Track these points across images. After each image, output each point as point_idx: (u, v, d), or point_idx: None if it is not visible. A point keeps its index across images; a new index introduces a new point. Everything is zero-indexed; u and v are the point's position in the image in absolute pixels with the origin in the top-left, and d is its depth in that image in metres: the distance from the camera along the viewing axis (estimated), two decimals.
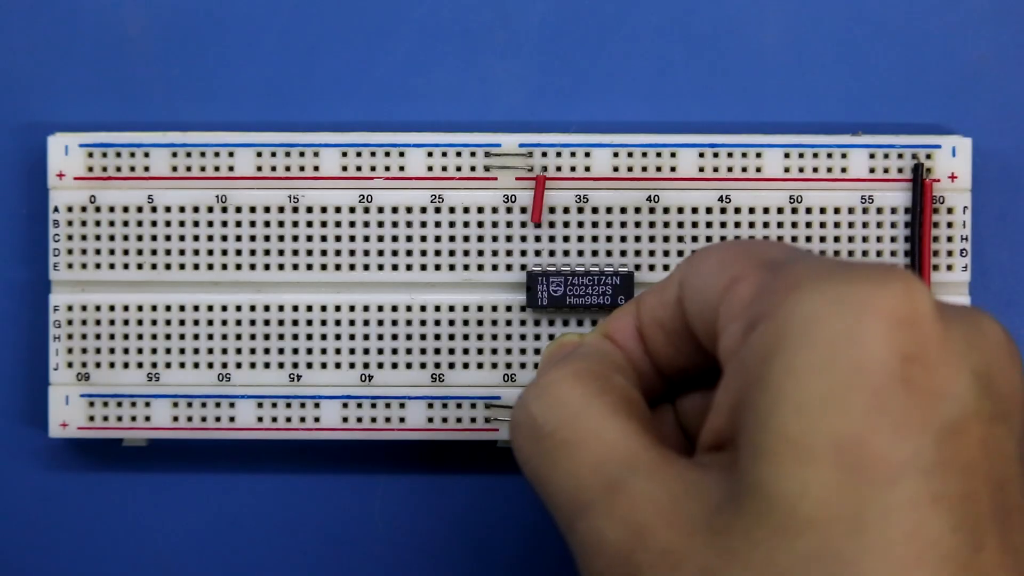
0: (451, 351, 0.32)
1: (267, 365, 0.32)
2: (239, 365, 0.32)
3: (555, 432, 0.22)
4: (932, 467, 0.18)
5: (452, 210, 0.32)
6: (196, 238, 0.32)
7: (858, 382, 0.18)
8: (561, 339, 0.25)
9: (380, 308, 0.32)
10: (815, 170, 0.32)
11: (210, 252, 0.32)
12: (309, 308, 0.32)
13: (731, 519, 0.19)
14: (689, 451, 0.23)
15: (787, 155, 0.32)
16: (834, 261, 0.20)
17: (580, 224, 0.32)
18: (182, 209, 0.32)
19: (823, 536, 0.18)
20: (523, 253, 0.32)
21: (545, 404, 0.22)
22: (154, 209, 0.32)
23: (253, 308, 0.32)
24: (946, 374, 0.19)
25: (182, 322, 0.32)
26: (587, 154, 0.32)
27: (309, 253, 0.32)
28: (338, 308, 0.32)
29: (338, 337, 0.32)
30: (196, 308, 0.32)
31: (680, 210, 0.32)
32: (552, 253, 0.32)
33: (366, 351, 0.32)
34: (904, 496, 0.18)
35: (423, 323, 0.32)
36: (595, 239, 0.32)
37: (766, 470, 0.18)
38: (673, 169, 0.32)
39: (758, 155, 0.32)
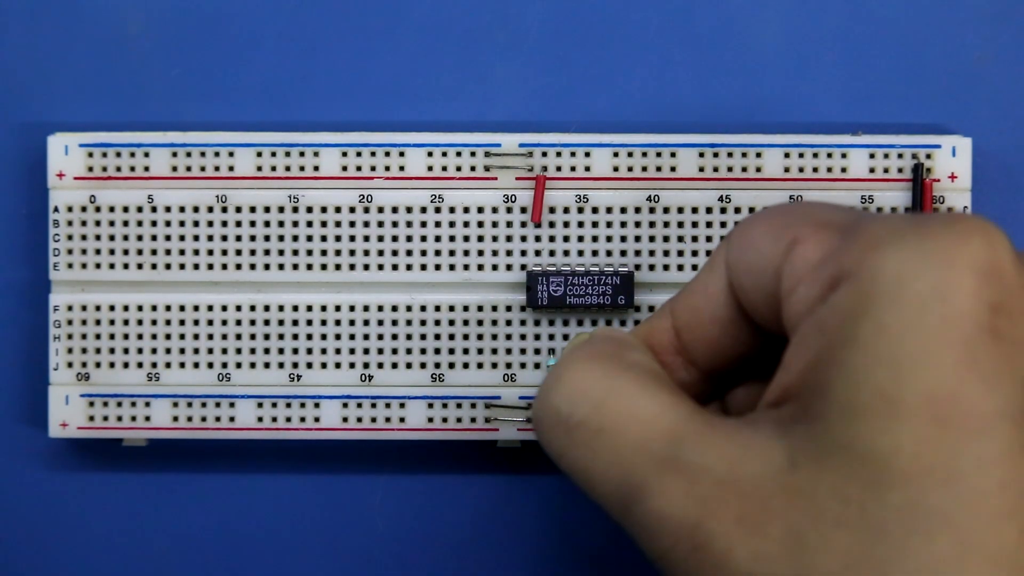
0: (451, 351, 0.32)
1: (267, 365, 0.32)
2: (239, 365, 0.32)
3: (585, 421, 0.21)
4: (1023, 416, 0.18)
5: (452, 210, 0.32)
6: (196, 238, 0.32)
7: (949, 336, 0.18)
8: (576, 338, 0.25)
9: (380, 308, 0.32)
10: (815, 170, 0.32)
11: (210, 252, 0.32)
12: (309, 308, 0.32)
13: (814, 477, 0.19)
14: None
15: (787, 155, 0.32)
16: (905, 217, 0.20)
17: (580, 224, 0.32)
18: (182, 209, 0.32)
19: (917, 489, 0.18)
20: (523, 253, 0.32)
21: (566, 393, 0.21)
22: (154, 209, 0.32)
23: (253, 308, 0.32)
24: None
25: (182, 322, 0.32)
26: (587, 154, 0.32)
27: (309, 253, 0.32)
28: (338, 308, 0.32)
29: (338, 337, 0.32)
30: (196, 308, 0.32)
31: (680, 210, 0.32)
32: (552, 253, 0.32)
33: (366, 351, 0.32)
34: (996, 447, 0.18)
35: (423, 323, 0.32)
36: (595, 239, 0.32)
37: (859, 427, 0.18)
38: (673, 169, 0.32)
39: (758, 155, 0.32)
